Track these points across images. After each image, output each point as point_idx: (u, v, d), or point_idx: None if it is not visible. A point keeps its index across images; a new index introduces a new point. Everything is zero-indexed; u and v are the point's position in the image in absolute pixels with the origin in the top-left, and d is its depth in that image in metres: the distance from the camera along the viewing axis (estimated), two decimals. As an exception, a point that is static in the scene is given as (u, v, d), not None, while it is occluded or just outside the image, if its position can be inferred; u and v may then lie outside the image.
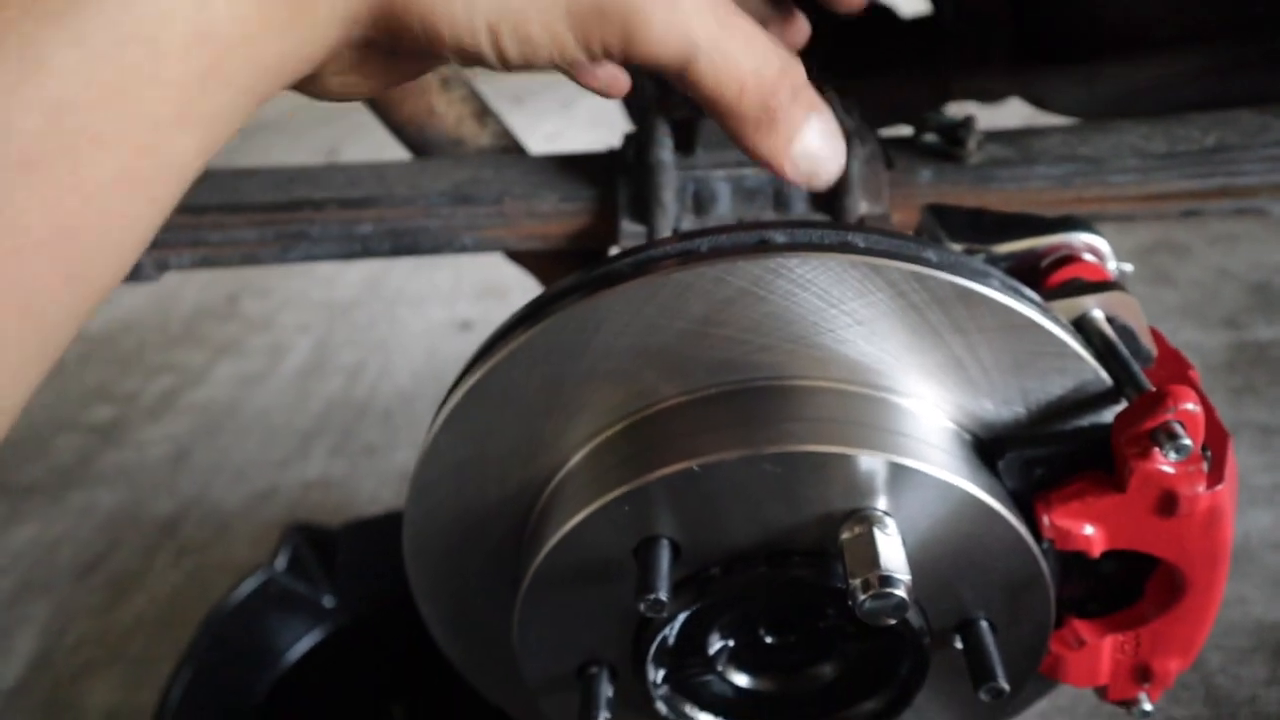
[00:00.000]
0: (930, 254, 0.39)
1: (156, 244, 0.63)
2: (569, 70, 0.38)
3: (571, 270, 0.42)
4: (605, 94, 0.42)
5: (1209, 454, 0.39)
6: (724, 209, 0.60)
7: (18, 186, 0.28)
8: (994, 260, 0.47)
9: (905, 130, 0.67)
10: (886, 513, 0.38)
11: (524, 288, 0.44)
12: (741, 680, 0.45)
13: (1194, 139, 0.61)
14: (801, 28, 0.55)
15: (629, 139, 0.65)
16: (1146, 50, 0.73)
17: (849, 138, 0.59)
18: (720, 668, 0.44)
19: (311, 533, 0.95)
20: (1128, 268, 0.49)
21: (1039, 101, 0.88)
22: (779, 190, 0.60)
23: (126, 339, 1.93)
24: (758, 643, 0.44)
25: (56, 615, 1.16)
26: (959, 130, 0.62)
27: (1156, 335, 0.45)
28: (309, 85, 0.38)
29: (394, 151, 0.72)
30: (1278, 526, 1.07)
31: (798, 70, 0.39)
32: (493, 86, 0.77)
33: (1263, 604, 0.98)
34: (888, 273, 0.38)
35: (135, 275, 0.64)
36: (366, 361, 1.75)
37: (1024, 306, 0.39)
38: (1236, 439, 0.40)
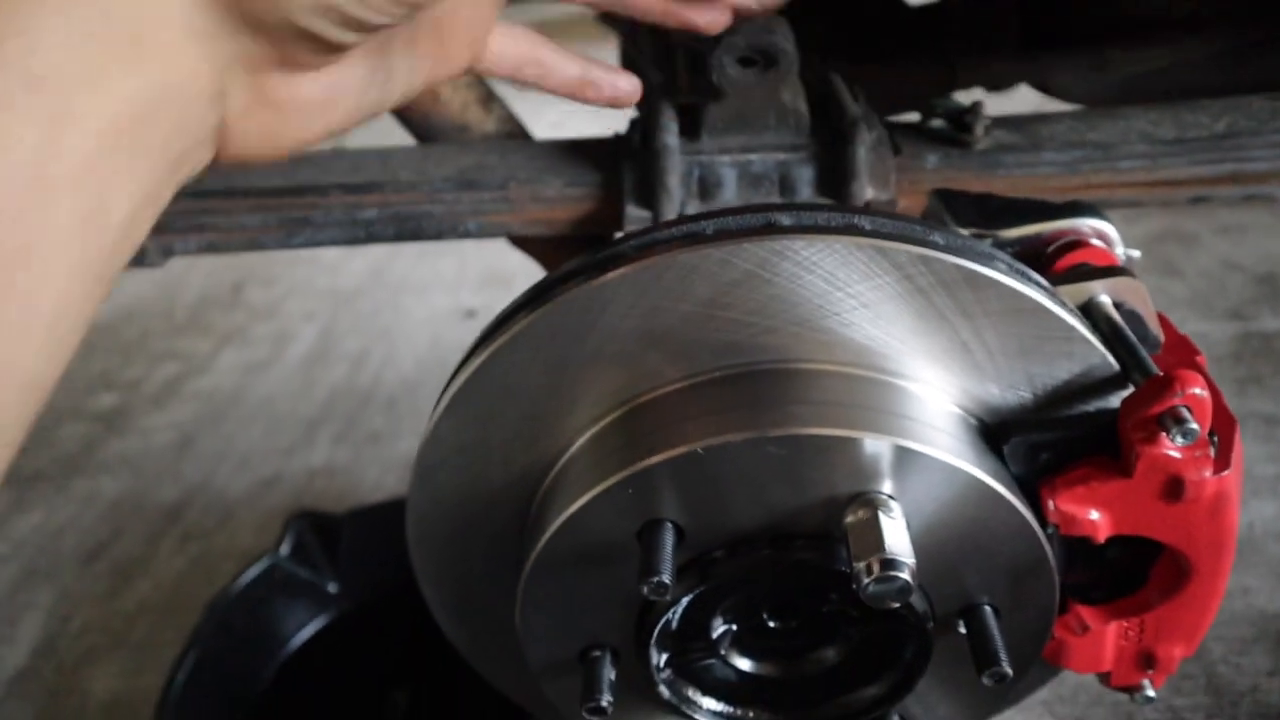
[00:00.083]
0: (937, 237, 0.39)
1: (161, 229, 0.63)
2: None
3: (576, 256, 0.42)
4: (615, 104, 0.42)
5: (1216, 439, 0.38)
6: (729, 194, 0.60)
7: None
8: (1001, 245, 0.47)
9: (912, 116, 0.66)
10: (891, 496, 0.38)
11: (528, 276, 0.44)
12: (744, 664, 0.45)
13: (1203, 125, 0.60)
14: None
15: (634, 124, 0.65)
16: (1156, 36, 0.72)
17: (855, 123, 0.59)
18: (723, 652, 0.44)
19: (315, 520, 0.95)
20: (1135, 254, 0.49)
21: (1047, 88, 0.87)
22: (784, 175, 0.60)
23: (131, 327, 1.93)
24: (761, 627, 0.44)
25: (61, 601, 1.17)
26: (966, 116, 0.62)
27: (1164, 321, 0.45)
28: (241, 138, 0.37)
29: (398, 137, 0.71)
30: (1282, 517, 1.07)
31: None
32: (497, 72, 0.76)
33: (1266, 594, 0.97)
34: (894, 255, 0.38)
35: (140, 261, 0.64)
36: (371, 349, 1.75)
37: (1031, 290, 0.39)
38: (1241, 430, 0.39)
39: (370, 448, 1.43)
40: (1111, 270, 0.44)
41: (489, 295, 1.92)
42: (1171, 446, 0.37)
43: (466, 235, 0.64)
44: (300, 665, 0.91)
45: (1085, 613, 0.44)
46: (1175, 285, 1.65)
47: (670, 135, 0.60)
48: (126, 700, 1.01)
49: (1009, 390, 0.41)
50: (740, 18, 0.56)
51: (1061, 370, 0.40)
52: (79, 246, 0.31)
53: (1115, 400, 0.40)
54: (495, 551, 0.46)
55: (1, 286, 0.28)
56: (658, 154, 0.59)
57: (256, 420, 1.55)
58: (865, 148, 0.59)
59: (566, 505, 0.40)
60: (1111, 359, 0.40)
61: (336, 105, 0.41)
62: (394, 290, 2.01)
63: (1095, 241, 0.47)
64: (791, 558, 0.40)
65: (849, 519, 0.38)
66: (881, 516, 0.37)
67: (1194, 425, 0.36)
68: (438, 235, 0.64)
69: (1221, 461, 0.38)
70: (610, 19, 0.85)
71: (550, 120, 1.57)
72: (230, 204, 0.64)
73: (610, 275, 0.38)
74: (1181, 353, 0.44)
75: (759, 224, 0.39)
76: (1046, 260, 0.46)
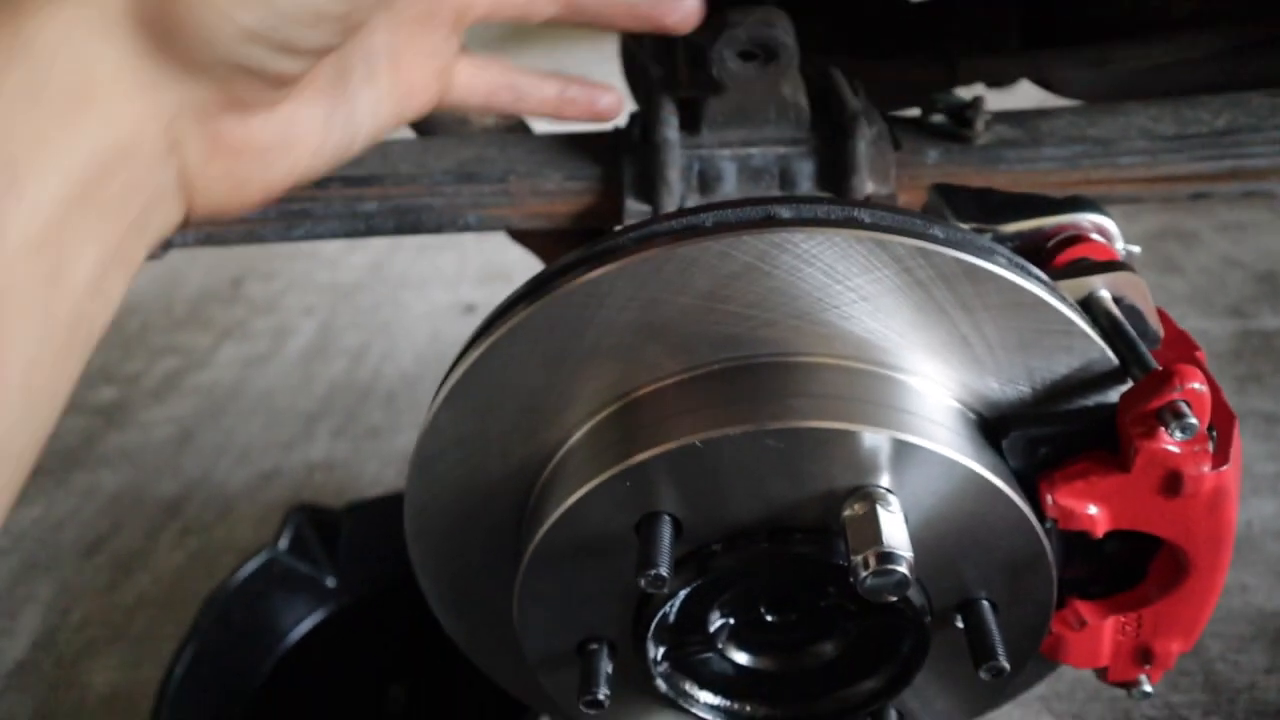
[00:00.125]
0: (936, 230, 0.39)
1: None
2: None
3: (575, 250, 0.42)
4: (597, 119, 0.42)
5: (1214, 434, 0.38)
6: (729, 188, 0.60)
7: None
8: (1001, 239, 0.47)
9: (913, 112, 0.66)
10: (889, 490, 0.38)
11: (527, 271, 0.43)
12: (742, 658, 0.45)
13: (1204, 121, 0.60)
14: None
15: (634, 118, 0.65)
16: (1157, 32, 0.72)
17: (856, 118, 0.59)
18: (721, 645, 0.44)
19: (314, 514, 0.95)
20: (1135, 249, 0.49)
21: (1048, 84, 0.87)
22: (785, 169, 0.60)
23: (130, 321, 1.93)
24: (758, 620, 0.44)
25: (60, 595, 1.17)
26: (967, 111, 0.62)
27: (1163, 316, 0.45)
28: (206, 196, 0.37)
29: (399, 130, 0.71)
30: (1281, 515, 1.07)
31: None
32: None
33: (1264, 592, 0.97)
34: (893, 248, 0.37)
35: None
36: (370, 344, 1.75)
37: (1030, 284, 0.39)
38: (1241, 427, 0.39)
39: (369, 442, 1.43)
40: (1111, 265, 0.44)
41: (488, 291, 1.92)
42: (1170, 441, 0.37)
43: (466, 228, 0.64)
44: (299, 659, 0.91)
45: (1083, 608, 0.44)
46: (1175, 282, 1.65)
47: (670, 129, 0.59)
48: (126, 693, 1.01)
49: (1008, 384, 0.41)
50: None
51: (1061, 365, 0.40)
52: (41, 311, 0.30)
53: (1114, 395, 0.40)
54: (493, 544, 0.46)
55: None
56: (658, 148, 0.59)
57: (256, 414, 1.55)
58: (866, 142, 0.59)
59: (564, 498, 0.40)
60: (1111, 354, 0.40)
61: (297, 146, 0.40)
62: (393, 285, 2.01)
63: (1095, 236, 0.47)
64: (789, 551, 0.39)
65: (847, 512, 0.38)
66: (879, 510, 0.37)
67: (1193, 420, 0.36)
68: (437, 228, 0.64)
69: (1220, 456, 0.38)
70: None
71: (550, 115, 1.57)
72: (229, 196, 0.64)
73: (609, 267, 0.38)
74: (1181, 348, 0.44)
75: (758, 216, 0.39)
76: (1046, 255, 0.46)
